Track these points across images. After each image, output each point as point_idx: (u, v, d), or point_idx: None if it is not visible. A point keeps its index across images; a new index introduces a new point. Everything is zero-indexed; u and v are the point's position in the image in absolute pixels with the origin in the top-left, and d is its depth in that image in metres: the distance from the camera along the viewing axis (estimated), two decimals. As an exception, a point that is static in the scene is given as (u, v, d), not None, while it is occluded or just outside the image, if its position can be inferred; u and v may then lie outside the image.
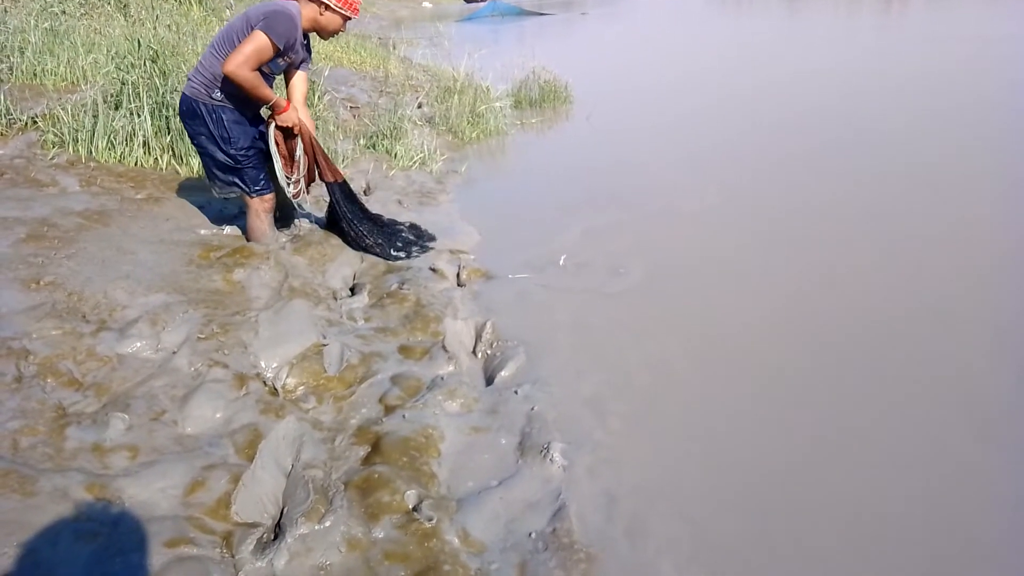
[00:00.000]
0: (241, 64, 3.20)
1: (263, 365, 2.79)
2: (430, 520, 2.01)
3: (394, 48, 15.63)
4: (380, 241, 4.10)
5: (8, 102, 5.16)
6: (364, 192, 5.34)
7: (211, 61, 3.41)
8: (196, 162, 5.01)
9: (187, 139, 5.09)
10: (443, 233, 4.50)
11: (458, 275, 3.94)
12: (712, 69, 11.47)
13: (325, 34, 3.51)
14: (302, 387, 2.70)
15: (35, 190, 4.04)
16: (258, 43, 3.20)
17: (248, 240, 3.86)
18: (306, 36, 3.52)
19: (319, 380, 2.75)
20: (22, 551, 1.71)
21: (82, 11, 8.45)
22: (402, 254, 4.10)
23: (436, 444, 2.42)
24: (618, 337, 3.25)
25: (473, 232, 4.64)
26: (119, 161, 4.87)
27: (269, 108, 3.54)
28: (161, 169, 4.90)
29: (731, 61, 12.32)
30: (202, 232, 4.00)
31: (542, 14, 27.19)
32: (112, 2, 9.32)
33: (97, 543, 1.79)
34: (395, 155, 6.25)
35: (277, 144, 3.64)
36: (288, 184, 3.77)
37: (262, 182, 3.70)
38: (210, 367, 2.65)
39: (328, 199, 4.09)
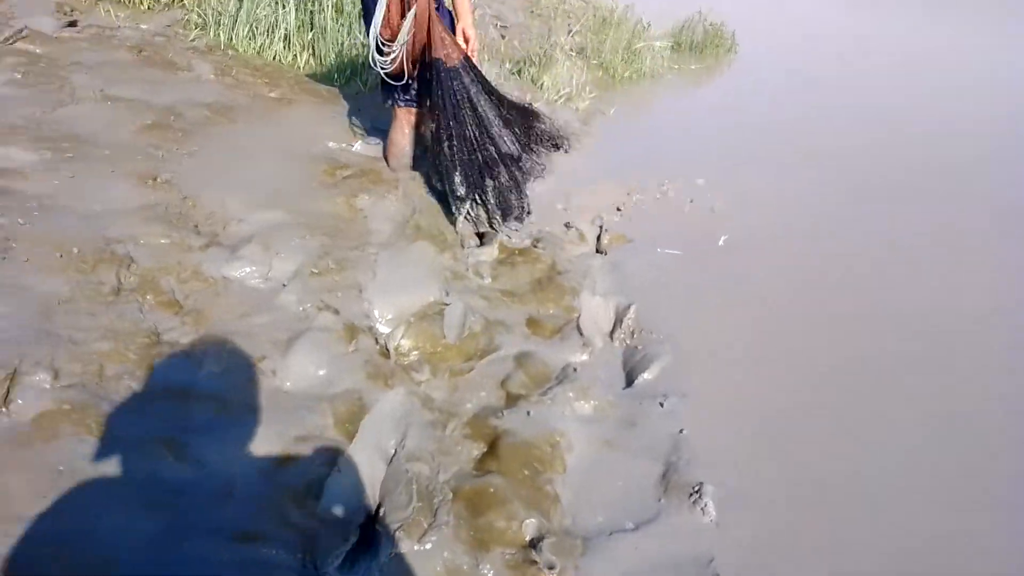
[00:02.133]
0: None
1: (376, 316, 2.45)
2: (551, 568, 1.62)
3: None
4: (508, 182, 3.14)
5: (159, -25, 4.97)
6: (503, 123, 4.88)
7: None
8: (336, 64, 4.68)
9: (328, 38, 4.78)
10: (584, 185, 4.00)
11: (598, 238, 3.47)
12: (899, 41, 10.15)
13: None
14: (416, 352, 2.34)
15: (170, 72, 3.81)
16: None
17: (384, 155, 3.50)
18: None
19: (436, 347, 2.39)
20: (78, 513, 1.45)
21: None
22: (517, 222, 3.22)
23: (562, 456, 2.02)
24: (795, 346, 2.73)
25: (617, 188, 4.11)
26: (258, 53, 4.60)
27: None
28: (299, 68, 4.60)
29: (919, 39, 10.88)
30: (330, 145, 3.68)
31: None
32: None
33: (162, 518, 1.51)
34: (541, 86, 5.72)
35: (388, 5, 2.83)
36: (380, 50, 2.92)
37: (412, 91, 3.20)
38: (319, 310, 2.33)
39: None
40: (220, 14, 4.64)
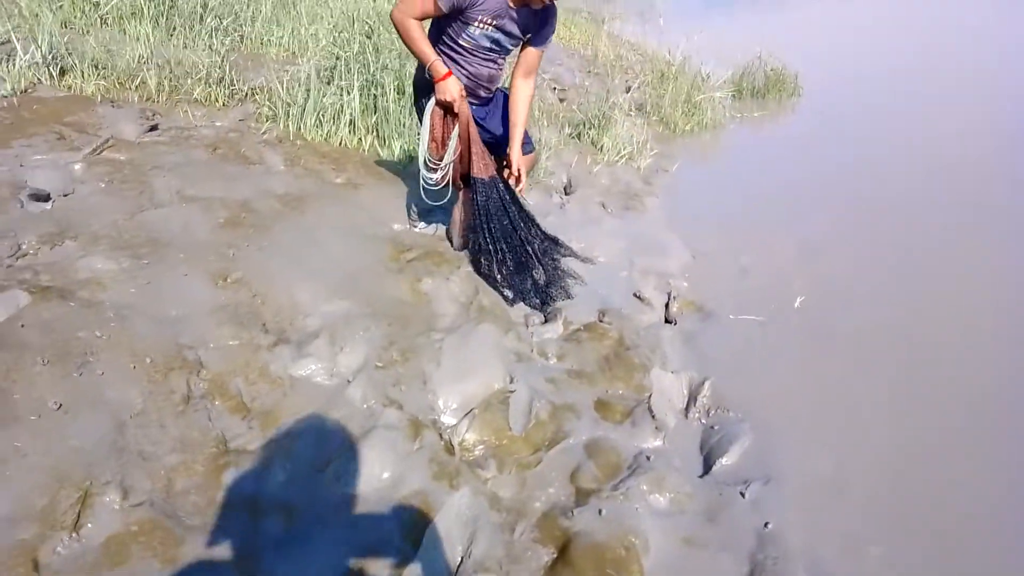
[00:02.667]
0: (401, 8, 2.75)
1: (441, 408, 2.42)
2: None
3: (604, 23, 15.05)
4: (538, 278, 3.30)
5: (232, 73, 5.26)
6: (564, 190, 4.89)
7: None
8: (398, 145, 4.81)
9: (391, 120, 4.92)
10: (648, 250, 3.93)
11: (667, 306, 3.37)
12: (973, 67, 9.74)
13: (535, 1, 2.86)
14: (481, 446, 2.29)
15: (243, 167, 3.98)
16: None
17: (448, 234, 3.53)
18: (524, 7, 2.98)
19: (502, 438, 2.33)
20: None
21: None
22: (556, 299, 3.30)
23: (638, 558, 1.91)
24: (892, 418, 2.54)
25: (683, 250, 4.02)
26: (325, 139, 4.77)
27: (428, 74, 2.92)
28: (363, 151, 4.75)
29: (994, 59, 10.42)
30: (395, 227, 3.74)
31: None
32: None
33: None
34: (601, 147, 5.73)
35: (432, 121, 3.06)
36: (429, 168, 3.16)
37: None
38: (384, 407, 2.32)
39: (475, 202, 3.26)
40: (289, 105, 4.86)
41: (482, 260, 3.29)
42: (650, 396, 2.62)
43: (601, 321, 3.08)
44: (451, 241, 3.55)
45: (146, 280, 2.63)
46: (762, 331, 3.15)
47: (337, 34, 5.89)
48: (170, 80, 5.01)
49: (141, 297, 2.55)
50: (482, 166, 3.15)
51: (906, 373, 2.82)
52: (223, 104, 4.99)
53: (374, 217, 3.76)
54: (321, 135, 4.79)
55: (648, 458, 2.29)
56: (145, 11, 5.81)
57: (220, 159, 3.98)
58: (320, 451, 2.09)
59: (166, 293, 2.61)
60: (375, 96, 5.01)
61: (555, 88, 7.53)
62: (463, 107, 3.02)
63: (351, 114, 4.87)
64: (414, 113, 5.02)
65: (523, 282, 3.25)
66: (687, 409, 2.63)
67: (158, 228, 3.04)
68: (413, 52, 2.91)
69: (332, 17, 6.47)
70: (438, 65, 2.87)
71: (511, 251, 3.29)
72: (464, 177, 3.22)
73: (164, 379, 2.20)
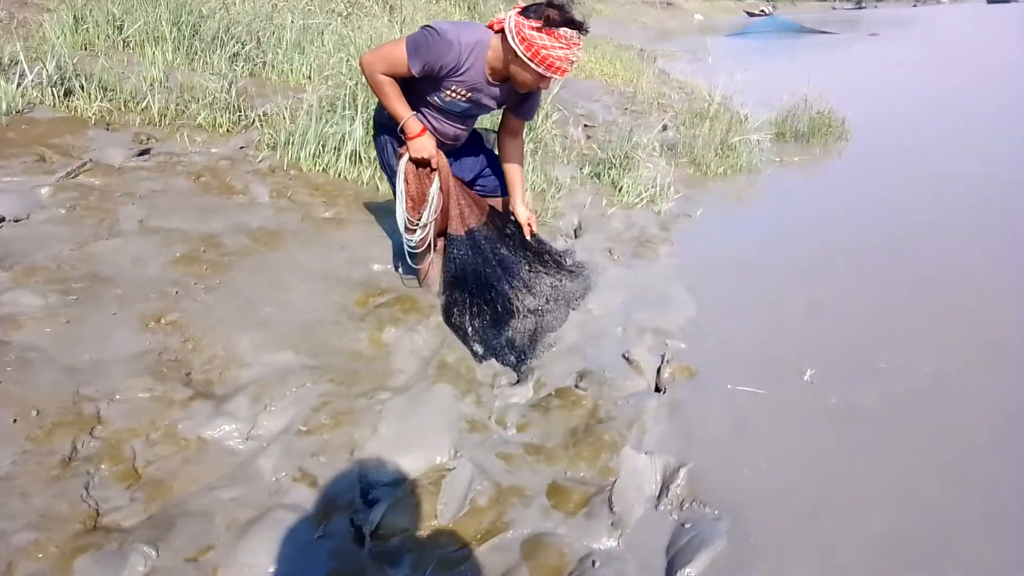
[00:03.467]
0: (371, 59, 2.54)
1: (363, 485, 2.10)
2: None
3: (654, 61, 14.80)
4: (515, 333, 3.02)
5: (240, 100, 5.15)
6: (574, 233, 4.57)
7: None
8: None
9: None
10: (650, 304, 3.57)
11: (659, 371, 3.01)
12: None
13: (518, 86, 2.62)
14: (399, 536, 1.96)
15: (223, 198, 3.79)
16: (394, 48, 2.50)
17: (419, 277, 3.27)
18: (505, 83, 2.70)
19: (426, 527, 2.00)
20: None
21: (349, 9, 8.64)
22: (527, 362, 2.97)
23: None
24: (901, 535, 2.13)
25: (690, 305, 3.64)
26: (323, 170, 4.58)
27: (401, 131, 2.73)
28: (362, 184, 4.53)
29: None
30: (374, 268, 3.48)
31: (823, 31, 24.68)
32: (380, 1, 9.58)
33: None
34: (620, 189, 5.41)
35: (406, 180, 2.82)
36: (408, 229, 2.94)
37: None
38: (295, 480, 2.02)
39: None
40: (291, 134, 4.69)
41: (454, 311, 3.00)
42: (615, 482, 2.26)
43: (577, 386, 2.74)
44: (424, 283, 3.28)
45: (66, 319, 2.42)
46: (762, 407, 2.76)
47: (347, 61, 5.74)
48: (176, 104, 4.92)
49: (55, 338, 2.33)
50: (459, 222, 2.97)
51: (929, 476, 2.40)
52: (227, 131, 4.86)
53: (353, 257, 3.51)
54: (320, 166, 4.60)
55: (594, 563, 1.93)
56: (167, 35, 5.78)
57: (201, 188, 3.80)
58: (200, 535, 1.80)
59: (85, 335, 2.38)
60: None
61: (585, 125, 7.26)
62: (442, 161, 2.83)
63: (353, 144, 4.67)
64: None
65: (497, 337, 2.94)
66: (658, 499, 2.25)
67: (104, 261, 2.84)
68: (387, 108, 2.69)
69: (356, 45, 6.34)
70: (412, 123, 2.68)
71: (488, 304, 3.00)
72: (442, 233, 3.01)
73: (46, 437, 1.96)
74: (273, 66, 6.34)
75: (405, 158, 2.79)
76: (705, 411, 2.72)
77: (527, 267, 3.20)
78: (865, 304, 3.66)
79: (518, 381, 2.81)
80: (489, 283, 3.01)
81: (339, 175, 4.55)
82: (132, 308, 2.58)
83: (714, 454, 2.45)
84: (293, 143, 4.64)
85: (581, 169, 5.73)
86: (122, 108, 4.80)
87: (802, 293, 3.79)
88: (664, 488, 2.28)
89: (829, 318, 3.51)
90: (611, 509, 2.14)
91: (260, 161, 4.43)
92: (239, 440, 2.15)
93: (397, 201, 2.87)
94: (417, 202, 2.86)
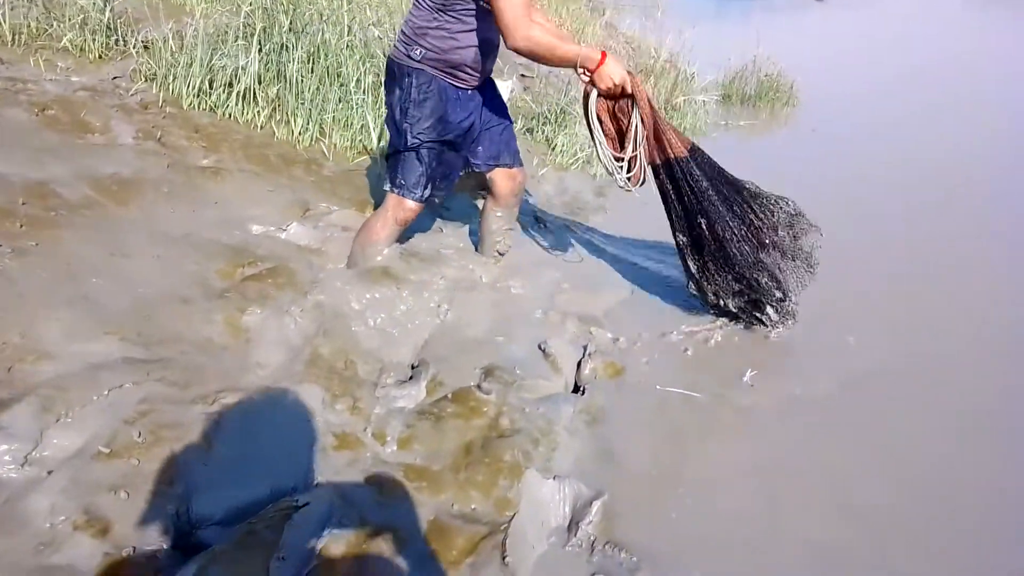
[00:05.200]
0: (521, 19, 2.17)
1: (177, 530, 1.60)
2: None
3: (603, 14, 14.16)
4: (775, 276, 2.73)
5: (119, 22, 4.39)
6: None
7: (413, 11, 2.45)
8: (301, 123, 3.97)
9: (301, 92, 4.08)
10: (578, 283, 3.12)
11: (579, 366, 2.57)
12: (984, 83, 8.96)
13: None
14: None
15: (72, 137, 3.13)
16: None
17: (356, 238, 2.74)
18: None
19: (252, 593, 1.51)
20: None
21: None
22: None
23: None
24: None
25: (622, 286, 3.21)
26: (211, 109, 3.92)
27: (579, 68, 2.39)
28: (256, 127, 3.90)
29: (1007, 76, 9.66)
30: (253, 230, 2.92)
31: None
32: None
33: None
34: (554, 147, 4.91)
35: (600, 118, 2.56)
36: (619, 170, 2.63)
37: (420, 184, 2.58)
38: (76, 528, 1.50)
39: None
40: (173, 65, 4.00)
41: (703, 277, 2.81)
42: (512, 518, 1.81)
43: (479, 387, 2.27)
44: (352, 255, 2.76)
45: None
46: (698, 414, 2.35)
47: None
48: (37, 22, 4.14)
49: None
50: (676, 141, 2.62)
51: (905, 513, 2.04)
52: (98, 57, 4.12)
53: (226, 216, 2.93)
54: (207, 104, 3.94)
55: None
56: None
57: (44, 124, 3.13)
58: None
59: None
60: (281, 64, 4.15)
61: (522, 75, 6.69)
62: (638, 84, 2.46)
63: (248, 80, 4.01)
64: (325, 84, 4.22)
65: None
66: (565, 539, 1.82)
67: None
68: (561, 59, 2.30)
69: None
70: (590, 50, 2.33)
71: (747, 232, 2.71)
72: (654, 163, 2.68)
73: None
74: (169, -14, 5.53)
75: (594, 95, 2.50)
76: (630, 419, 2.30)
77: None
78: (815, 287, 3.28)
79: (410, 378, 2.32)
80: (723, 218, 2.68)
81: (228, 116, 3.90)
82: (-102, 279, 1.97)
83: (638, 479, 2.03)
84: (174, 75, 3.96)
85: (514, 123, 5.19)
86: (-33, 24, 4.01)
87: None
88: (573, 525, 1.85)
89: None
90: (503, 558, 1.69)
91: (131, 95, 3.75)
92: (11, 466, 1.61)
93: (596, 145, 2.63)
94: (616, 141, 2.61)
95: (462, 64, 2.45)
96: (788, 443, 2.24)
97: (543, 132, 5.09)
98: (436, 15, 2.36)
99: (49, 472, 1.61)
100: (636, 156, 2.58)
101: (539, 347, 2.60)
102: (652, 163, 2.66)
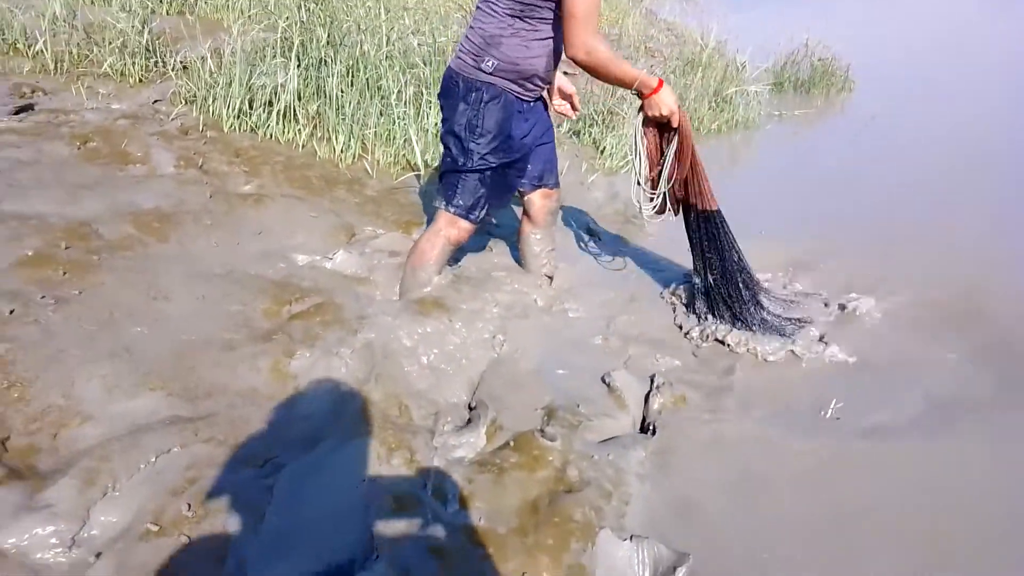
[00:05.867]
0: (591, 27, 2.11)
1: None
2: None
3: (641, 0, 13.82)
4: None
5: (158, 43, 4.35)
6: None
7: (482, 19, 2.28)
8: (342, 140, 3.87)
9: (341, 107, 3.97)
10: (637, 303, 2.96)
11: (646, 401, 2.40)
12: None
13: None
14: None
15: (112, 170, 3.07)
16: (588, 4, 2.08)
17: (407, 261, 2.62)
18: None
19: None
20: None
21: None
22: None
23: None
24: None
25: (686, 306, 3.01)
26: (252, 130, 3.84)
27: (635, 91, 2.37)
28: (297, 146, 3.81)
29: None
30: (298, 260, 2.82)
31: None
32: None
33: None
34: (602, 150, 4.71)
35: (647, 139, 2.58)
36: (646, 197, 2.72)
37: (478, 205, 2.49)
38: (123, 623, 1.39)
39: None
40: (212, 85, 3.93)
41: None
42: (587, 592, 1.66)
43: (543, 432, 2.11)
44: (403, 281, 2.64)
45: None
46: (782, 455, 2.15)
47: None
48: (78, 48, 4.12)
49: None
50: (705, 195, 2.68)
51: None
52: (138, 80, 4.08)
53: (270, 247, 2.83)
54: (247, 125, 3.86)
55: None
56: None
57: (84, 158, 3.08)
58: None
59: None
60: (320, 80, 4.05)
61: (565, 72, 6.48)
62: (684, 118, 2.49)
63: (288, 98, 3.92)
64: (366, 99, 4.10)
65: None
66: (648, 610, 1.66)
67: (-83, 267, 2.14)
68: (614, 78, 2.30)
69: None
70: (647, 78, 2.32)
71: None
72: (681, 199, 2.73)
73: None
74: (207, 1, 5.50)
75: (641, 118, 2.52)
76: (707, 462, 2.12)
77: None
78: (902, 298, 3.03)
79: (468, 422, 2.18)
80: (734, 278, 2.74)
81: (269, 137, 3.82)
82: (-63, 339, 1.90)
83: (723, 536, 1.85)
84: (214, 96, 3.89)
85: (559, 126, 5.01)
86: (8, 52, 4.01)
87: (832, 277, 3.17)
88: (655, 593, 1.69)
89: (872, 313, 2.89)
90: (581, 643, 1.53)
91: (172, 120, 3.69)
92: (59, 549, 1.51)
93: (637, 164, 2.64)
94: (654, 164, 2.63)
95: (534, 75, 2.31)
96: (883, 488, 2.03)
97: (590, 134, 4.90)
98: (512, 22, 2.21)
99: (97, 555, 1.51)
100: (663, 193, 2.67)
101: (602, 379, 2.44)
102: (684, 201, 2.70)
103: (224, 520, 1.64)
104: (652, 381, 2.47)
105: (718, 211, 2.69)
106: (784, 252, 3.38)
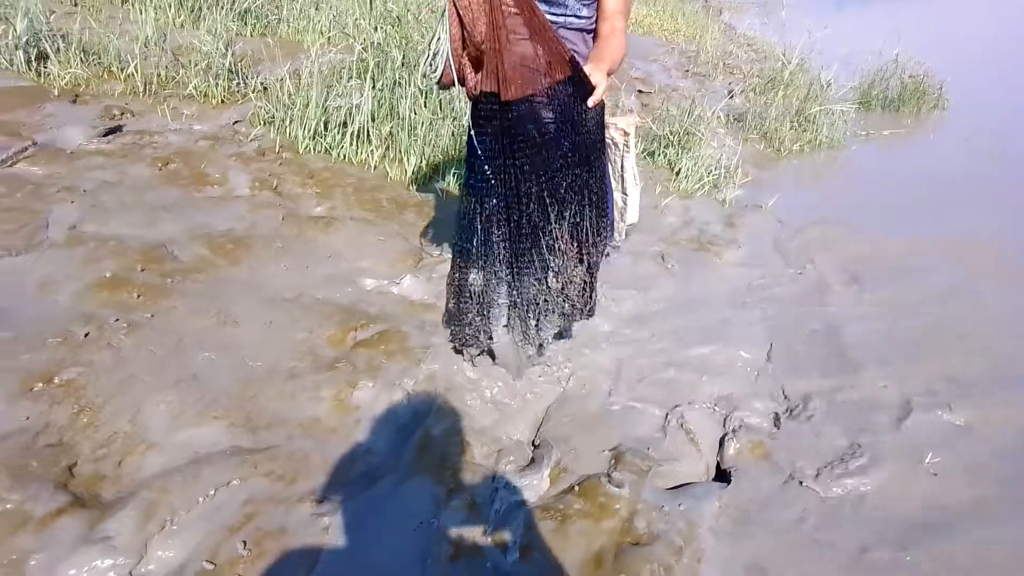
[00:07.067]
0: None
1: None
2: None
3: (720, 14, 13.54)
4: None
5: (240, 64, 4.47)
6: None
7: (580, 4, 1.99)
8: (414, 162, 3.86)
9: (414, 129, 3.97)
10: (710, 336, 2.80)
11: (721, 445, 2.26)
12: None
13: None
14: None
15: (191, 191, 3.14)
16: None
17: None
18: None
19: None
20: None
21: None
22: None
23: None
24: None
25: (762, 337, 2.85)
26: (327, 151, 3.88)
27: None
28: (370, 167, 3.82)
29: None
30: (365, 284, 2.80)
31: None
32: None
33: None
34: (678, 172, 4.57)
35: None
36: (432, 56, 1.86)
37: None
38: (173, 669, 1.36)
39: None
40: (290, 107, 4.00)
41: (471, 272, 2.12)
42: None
43: (609, 479, 2.01)
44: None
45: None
46: (874, 511, 1.98)
47: (378, 20, 4.98)
48: (165, 70, 4.27)
49: None
50: (516, 74, 1.75)
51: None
52: (221, 101, 4.19)
53: (338, 271, 2.82)
54: (321, 146, 3.90)
55: None
56: (172, -10, 5.13)
57: (164, 179, 3.15)
58: None
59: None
60: (393, 102, 4.07)
61: (639, 91, 6.36)
62: None
63: (361, 119, 3.95)
64: (438, 119, 4.09)
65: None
66: None
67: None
68: None
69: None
70: None
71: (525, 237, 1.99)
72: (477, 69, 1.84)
73: None
74: (288, 23, 5.64)
75: None
76: (788, 519, 1.97)
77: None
78: (1015, 334, 2.79)
79: (531, 462, 2.09)
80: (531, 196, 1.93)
81: (343, 158, 3.85)
82: (14, 361, 1.94)
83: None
84: (291, 118, 3.95)
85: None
86: (103, 76, 4.18)
87: (916, 322, 2.95)
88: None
89: (957, 355, 2.67)
90: None
91: (250, 141, 3.76)
92: (114, 588, 1.50)
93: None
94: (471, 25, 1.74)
95: None
96: (992, 549, 1.84)
97: (665, 156, 4.76)
98: (592, 6, 2.03)
99: (149, 597, 1.49)
100: (439, 52, 1.83)
101: (674, 419, 2.31)
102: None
103: (279, 561, 1.60)
104: (726, 422, 2.33)
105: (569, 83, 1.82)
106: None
